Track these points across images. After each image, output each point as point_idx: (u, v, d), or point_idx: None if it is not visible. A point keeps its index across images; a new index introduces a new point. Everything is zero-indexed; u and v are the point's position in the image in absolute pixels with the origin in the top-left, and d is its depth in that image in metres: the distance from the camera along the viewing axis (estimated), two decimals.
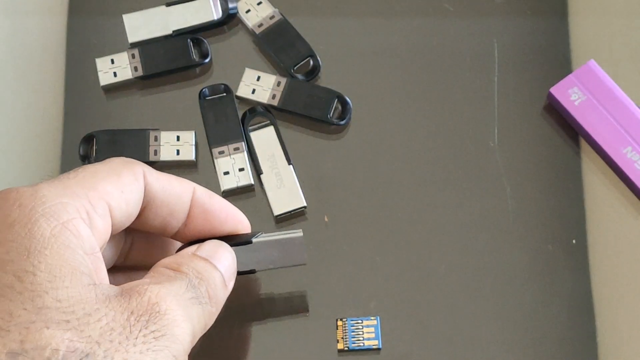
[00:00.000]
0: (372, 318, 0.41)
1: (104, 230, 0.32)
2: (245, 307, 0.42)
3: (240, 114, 0.45)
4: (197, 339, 0.32)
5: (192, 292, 0.32)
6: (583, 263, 0.42)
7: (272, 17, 0.46)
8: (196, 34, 0.46)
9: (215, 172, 0.44)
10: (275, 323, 0.41)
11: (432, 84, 0.46)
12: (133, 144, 0.44)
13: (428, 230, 0.43)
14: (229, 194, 0.44)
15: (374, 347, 0.41)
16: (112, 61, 0.45)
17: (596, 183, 0.44)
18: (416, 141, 0.45)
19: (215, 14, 0.46)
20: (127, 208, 0.33)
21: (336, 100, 0.45)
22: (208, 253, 0.35)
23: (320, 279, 0.42)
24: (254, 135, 0.44)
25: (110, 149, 0.44)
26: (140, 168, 0.34)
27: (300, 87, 0.45)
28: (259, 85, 0.45)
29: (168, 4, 0.46)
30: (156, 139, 0.44)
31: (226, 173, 0.43)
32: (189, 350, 0.31)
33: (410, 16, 0.47)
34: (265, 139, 0.44)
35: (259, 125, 0.45)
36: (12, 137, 0.45)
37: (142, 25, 0.46)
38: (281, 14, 0.46)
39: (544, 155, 0.44)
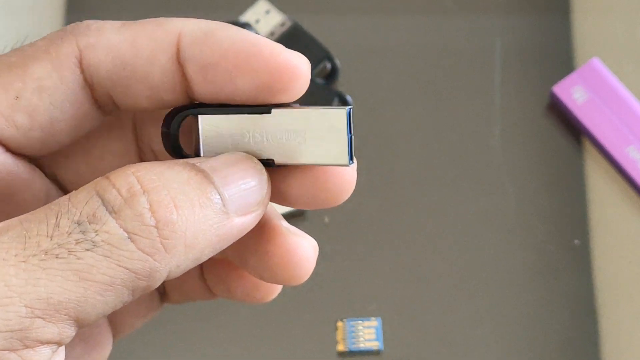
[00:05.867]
0: (373, 319, 0.41)
1: None
2: (244, 308, 0.42)
3: None
4: None
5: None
6: (586, 263, 0.42)
7: (283, 24, 0.46)
8: None
9: None
10: (274, 324, 0.41)
11: (433, 82, 0.46)
12: None
13: (429, 230, 0.43)
14: None
15: (375, 348, 0.41)
16: None
17: (599, 182, 0.44)
18: (417, 140, 0.45)
19: None
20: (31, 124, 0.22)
21: (336, 98, 0.44)
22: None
23: (320, 279, 0.42)
24: None
25: None
26: (72, 47, 0.22)
27: None
28: None
29: None
30: None
31: None
32: None
33: (412, 14, 0.47)
34: None
35: None
36: None
37: None
38: (291, 20, 0.46)
39: (546, 154, 0.44)
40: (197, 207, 0.20)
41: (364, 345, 0.41)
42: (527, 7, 0.47)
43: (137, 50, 0.22)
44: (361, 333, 0.41)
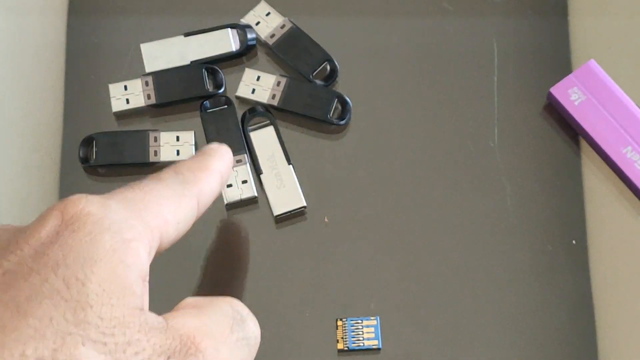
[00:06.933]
0: (372, 318, 0.41)
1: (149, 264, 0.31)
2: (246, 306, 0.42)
3: (240, 114, 0.45)
4: None
5: (239, 332, 0.31)
6: (583, 263, 0.42)
7: (283, 26, 0.46)
8: (214, 64, 0.45)
9: None
10: (275, 323, 0.41)
11: (431, 84, 0.46)
12: (133, 145, 0.44)
13: (428, 230, 0.43)
14: (232, 207, 0.43)
15: (374, 347, 0.41)
16: (125, 87, 0.45)
17: (596, 183, 0.44)
18: (416, 141, 0.45)
19: (234, 45, 0.45)
20: (168, 242, 0.32)
21: (336, 100, 0.45)
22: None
23: (320, 279, 0.42)
24: (254, 135, 0.44)
25: (110, 151, 0.44)
26: (196, 199, 0.34)
27: (300, 87, 0.45)
28: (259, 85, 0.45)
29: (186, 34, 0.46)
30: (156, 139, 0.44)
31: (229, 185, 0.43)
32: None
33: (410, 16, 0.47)
34: (265, 139, 0.44)
35: (259, 125, 0.45)
36: (11, 139, 0.45)
37: (160, 55, 0.45)
38: (292, 22, 0.46)
39: (543, 156, 0.44)
40: None
41: (363, 343, 0.41)
42: (525, 9, 0.47)
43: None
44: (361, 332, 0.41)
